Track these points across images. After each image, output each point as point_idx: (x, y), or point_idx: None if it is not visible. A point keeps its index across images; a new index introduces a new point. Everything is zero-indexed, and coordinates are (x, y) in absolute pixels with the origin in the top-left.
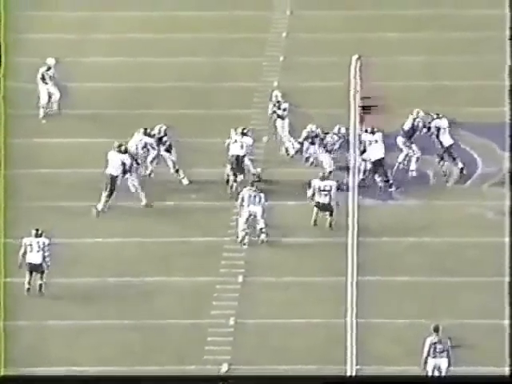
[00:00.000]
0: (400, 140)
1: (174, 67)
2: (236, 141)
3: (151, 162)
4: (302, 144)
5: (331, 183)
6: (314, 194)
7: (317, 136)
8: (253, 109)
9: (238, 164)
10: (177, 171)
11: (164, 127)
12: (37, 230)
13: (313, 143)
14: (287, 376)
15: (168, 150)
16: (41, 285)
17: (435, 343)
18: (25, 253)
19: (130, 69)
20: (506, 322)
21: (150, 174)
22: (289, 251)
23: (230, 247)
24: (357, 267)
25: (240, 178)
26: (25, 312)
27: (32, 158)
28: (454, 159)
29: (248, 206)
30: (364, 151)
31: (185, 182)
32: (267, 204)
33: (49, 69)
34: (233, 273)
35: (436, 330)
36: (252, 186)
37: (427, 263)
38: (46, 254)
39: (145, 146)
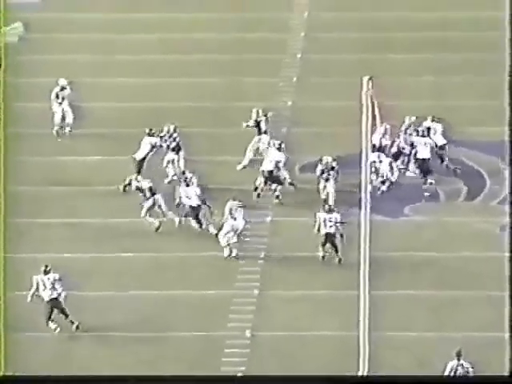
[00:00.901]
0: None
1: (190, 87)
2: (271, 155)
3: (166, 166)
4: (318, 175)
5: (336, 216)
6: (319, 226)
7: (333, 168)
8: (269, 127)
9: (270, 177)
10: (183, 173)
11: (172, 126)
12: (46, 266)
13: (327, 179)
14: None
15: (176, 150)
16: (74, 324)
17: (457, 367)
18: (37, 290)
19: (145, 89)
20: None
21: (169, 182)
22: (303, 265)
23: (247, 261)
24: (369, 281)
25: (276, 187)
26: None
27: (46, 175)
28: (442, 160)
29: (234, 219)
30: (415, 154)
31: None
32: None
33: (62, 89)
34: (249, 286)
35: (458, 354)
36: (234, 200)
37: (437, 278)
38: (60, 289)
39: (154, 147)
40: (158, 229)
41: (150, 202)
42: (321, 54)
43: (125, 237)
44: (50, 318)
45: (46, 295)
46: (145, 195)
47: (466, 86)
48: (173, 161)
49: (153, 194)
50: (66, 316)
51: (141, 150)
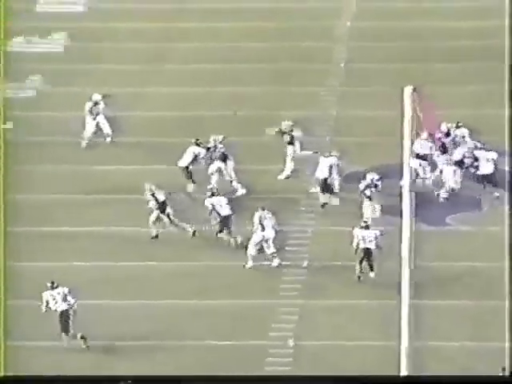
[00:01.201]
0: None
1: (233, 96)
2: (322, 163)
3: (212, 174)
4: (361, 190)
5: (375, 232)
6: (358, 244)
7: (376, 186)
8: (312, 136)
9: (325, 185)
10: (231, 182)
11: (220, 137)
12: (52, 282)
13: (370, 197)
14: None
15: (223, 159)
16: (83, 337)
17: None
18: (47, 305)
19: (189, 98)
20: None
21: (211, 189)
22: (345, 274)
23: (289, 270)
24: (410, 291)
25: (329, 198)
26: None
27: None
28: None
29: (262, 230)
30: (477, 167)
31: (240, 192)
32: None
33: (96, 104)
34: (291, 295)
35: (503, 369)
36: (263, 209)
37: (480, 287)
38: (72, 300)
39: (197, 156)
40: (155, 237)
41: (155, 214)
42: (364, 63)
43: (165, 246)
44: (67, 330)
45: (60, 308)
46: (157, 205)
47: (506, 95)
48: (220, 170)
49: (163, 210)
50: (67, 332)
51: (184, 158)
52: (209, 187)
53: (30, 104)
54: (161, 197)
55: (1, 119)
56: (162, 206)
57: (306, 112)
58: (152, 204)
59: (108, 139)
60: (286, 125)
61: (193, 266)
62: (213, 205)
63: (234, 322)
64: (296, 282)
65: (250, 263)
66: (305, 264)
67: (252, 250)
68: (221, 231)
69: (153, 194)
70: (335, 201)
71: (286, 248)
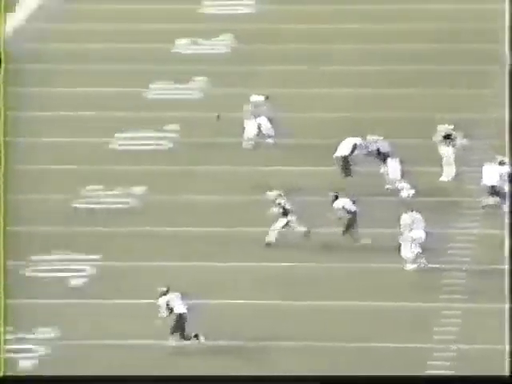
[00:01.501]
0: None
1: (394, 98)
2: (491, 169)
3: (387, 174)
4: None
5: None
6: None
7: None
8: (474, 140)
9: (494, 191)
10: (394, 182)
11: (380, 138)
12: (167, 288)
13: None
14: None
15: (382, 159)
16: (196, 335)
17: None
18: (168, 306)
19: (348, 99)
20: None
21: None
22: (506, 278)
23: (450, 273)
24: None
25: (499, 202)
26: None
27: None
28: None
29: (410, 231)
30: None
31: (408, 192)
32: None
33: (257, 105)
34: (453, 298)
35: None
36: (412, 211)
37: None
38: (186, 302)
39: (356, 147)
40: (269, 244)
41: (284, 221)
42: None
43: (323, 249)
44: (173, 332)
45: (179, 310)
46: (283, 213)
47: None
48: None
49: (285, 214)
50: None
51: (342, 148)
52: (386, 187)
53: (195, 105)
54: (287, 205)
55: (1, 118)
56: (287, 212)
57: (468, 114)
58: (279, 210)
59: (270, 140)
60: (445, 128)
61: (351, 268)
62: (343, 206)
63: (395, 325)
64: (456, 285)
65: (408, 265)
66: (465, 267)
67: (405, 251)
68: (348, 228)
69: (280, 202)
70: (506, 207)
71: (449, 251)
